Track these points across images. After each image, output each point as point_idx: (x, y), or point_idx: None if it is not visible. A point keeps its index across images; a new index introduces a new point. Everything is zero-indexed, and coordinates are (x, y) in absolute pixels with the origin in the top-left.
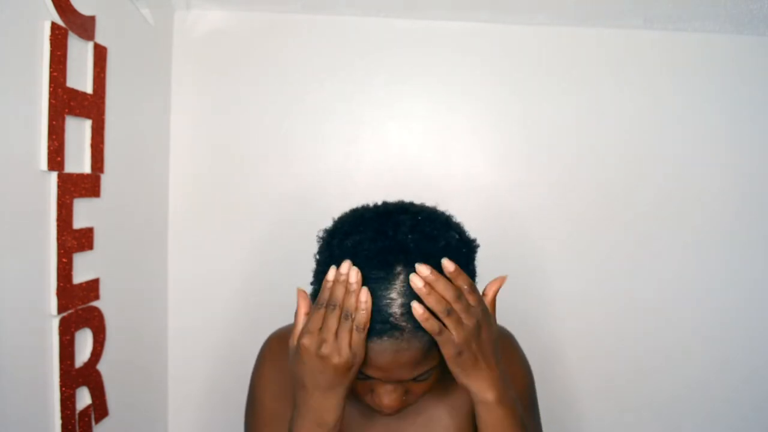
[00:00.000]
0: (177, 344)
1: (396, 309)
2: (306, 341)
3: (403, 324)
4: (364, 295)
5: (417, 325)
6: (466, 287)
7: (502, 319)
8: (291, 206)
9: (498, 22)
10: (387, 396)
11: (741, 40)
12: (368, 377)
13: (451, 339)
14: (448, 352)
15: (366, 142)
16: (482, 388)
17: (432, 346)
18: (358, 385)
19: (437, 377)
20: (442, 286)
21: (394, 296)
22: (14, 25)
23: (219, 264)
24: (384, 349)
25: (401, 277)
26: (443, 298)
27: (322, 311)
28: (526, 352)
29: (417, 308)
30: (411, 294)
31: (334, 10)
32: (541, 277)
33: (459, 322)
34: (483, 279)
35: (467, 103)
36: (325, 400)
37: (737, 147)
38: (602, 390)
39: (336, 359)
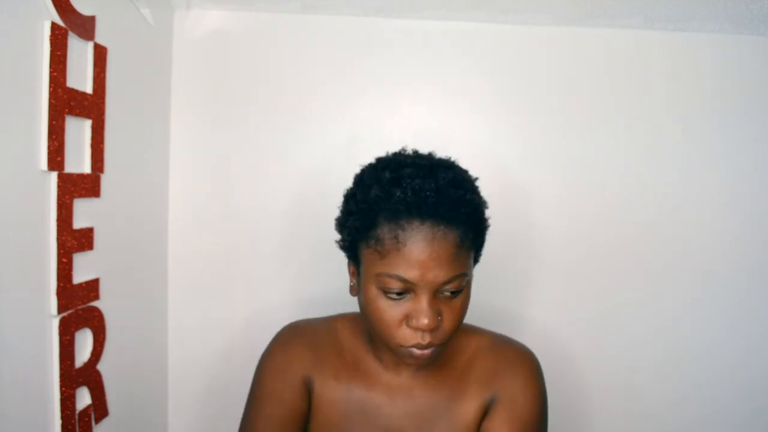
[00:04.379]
0: (177, 344)
1: (436, 197)
2: None
3: (442, 211)
4: None
5: (452, 217)
6: None
7: (505, 318)
8: (291, 206)
9: (498, 22)
10: (424, 314)
11: (741, 40)
12: (403, 282)
13: None
14: None
15: (366, 142)
16: None
17: (464, 239)
18: (390, 311)
19: (467, 303)
20: None
21: (434, 186)
22: (14, 25)
23: (219, 263)
24: (422, 237)
25: (441, 174)
26: None
27: None
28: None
29: None
30: (451, 189)
31: (334, 10)
32: (540, 277)
33: None
34: (483, 284)
35: (467, 103)
36: None
37: (737, 147)
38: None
39: None
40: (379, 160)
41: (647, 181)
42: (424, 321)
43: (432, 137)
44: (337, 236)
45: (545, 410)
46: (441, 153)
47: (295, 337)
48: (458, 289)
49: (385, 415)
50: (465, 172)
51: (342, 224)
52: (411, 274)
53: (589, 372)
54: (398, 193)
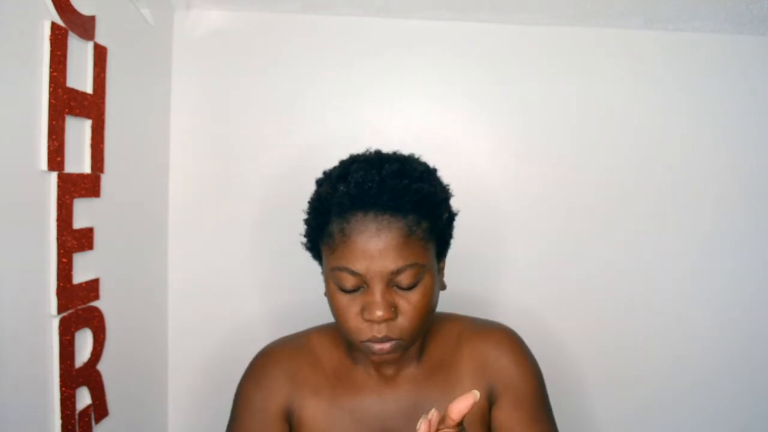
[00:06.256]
0: (177, 344)
1: (378, 188)
2: None
3: (384, 201)
4: None
5: (397, 206)
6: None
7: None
8: (292, 206)
9: (498, 22)
10: (375, 305)
11: (741, 40)
12: (352, 274)
13: None
14: None
15: (366, 142)
16: None
17: (412, 232)
18: (347, 305)
19: (428, 296)
20: None
21: (377, 177)
22: (14, 25)
23: (219, 263)
24: (366, 228)
25: (386, 166)
26: None
27: None
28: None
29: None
30: (395, 179)
31: (334, 10)
32: (536, 275)
33: None
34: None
35: (467, 103)
36: None
37: (737, 147)
38: (601, 387)
39: None
40: (340, 160)
41: (646, 181)
42: (377, 313)
43: (432, 137)
44: None
45: (542, 380)
46: (441, 153)
47: (267, 368)
48: (413, 282)
49: (376, 415)
50: (418, 163)
51: (305, 226)
52: (358, 265)
53: (574, 355)
54: (342, 188)
